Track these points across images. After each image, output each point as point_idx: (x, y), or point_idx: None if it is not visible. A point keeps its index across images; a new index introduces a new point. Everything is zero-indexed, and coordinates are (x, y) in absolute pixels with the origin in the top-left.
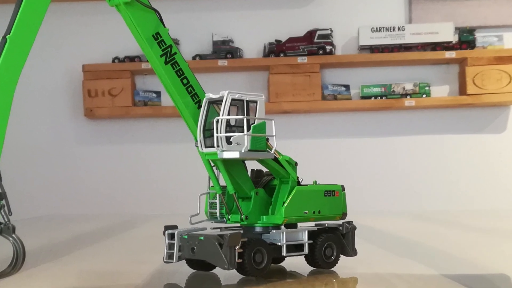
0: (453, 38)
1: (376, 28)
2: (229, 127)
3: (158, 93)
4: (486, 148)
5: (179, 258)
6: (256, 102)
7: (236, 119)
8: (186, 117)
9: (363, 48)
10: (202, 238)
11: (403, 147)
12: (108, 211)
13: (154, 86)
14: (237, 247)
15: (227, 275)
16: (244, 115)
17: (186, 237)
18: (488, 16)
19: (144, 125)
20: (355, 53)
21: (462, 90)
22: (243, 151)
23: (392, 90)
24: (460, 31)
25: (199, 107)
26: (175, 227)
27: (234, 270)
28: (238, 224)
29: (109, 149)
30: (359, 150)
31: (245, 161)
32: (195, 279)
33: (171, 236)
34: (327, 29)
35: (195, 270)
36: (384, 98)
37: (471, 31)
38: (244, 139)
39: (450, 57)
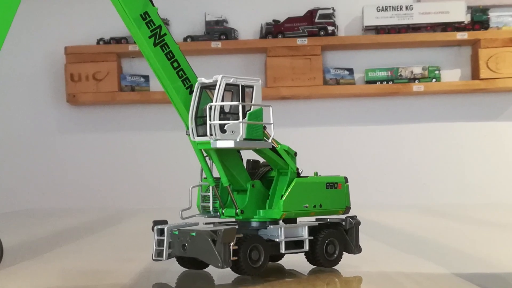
0: (465, 18)
1: (382, 7)
2: (223, 114)
3: (146, 78)
4: (501, 137)
5: (169, 256)
6: (252, 87)
7: (230, 106)
8: (176, 103)
9: (368, 29)
10: (194, 234)
11: (411, 136)
12: (92, 205)
13: (142, 69)
14: (231, 244)
15: (221, 274)
16: (239, 101)
17: (176, 233)
18: None
19: (132, 112)
20: (359, 34)
21: (475, 74)
22: (238, 140)
23: (399, 74)
24: (473, 10)
25: (191, 92)
26: (165, 222)
27: (229, 269)
28: (233, 219)
29: (94, 138)
30: (363, 139)
31: (241, 151)
32: (187, 278)
33: (161, 232)
34: (329, 8)
35: (186, 269)
36: (390, 82)
37: (484, 10)
38: (239, 127)
39: (461, 38)
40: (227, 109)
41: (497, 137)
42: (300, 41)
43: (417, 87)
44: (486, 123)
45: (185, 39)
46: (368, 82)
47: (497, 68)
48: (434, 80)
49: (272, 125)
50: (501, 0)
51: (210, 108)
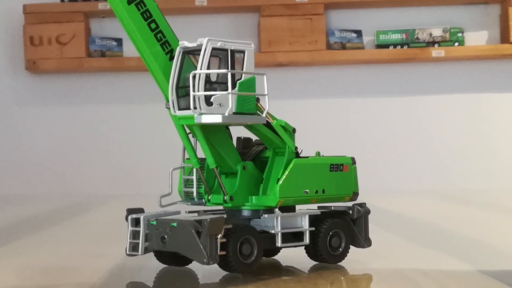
0: None
1: None
2: (209, 84)
3: (119, 41)
4: None
5: (146, 250)
6: (243, 52)
7: (218, 74)
8: (154, 71)
9: None
10: (174, 224)
11: (429, 110)
12: (55, 191)
13: (114, 31)
14: (219, 236)
15: (207, 271)
16: (228, 69)
17: (154, 223)
18: None
19: (102, 81)
20: None
21: (504, 37)
22: (226, 114)
23: (415, 37)
24: None
25: (171, 58)
26: (141, 210)
27: (216, 265)
28: (221, 207)
29: (57, 111)
30: (374, 113)
31: (230, 127)
32: (166, 277)
33: (136, 222)
34: None
35: (166, 265)
36: (405, 47)
37: None
38: (228, 99)
39: None
40: (213, 78)
41: None
42: None
43: (436, 52)
44: None
45: None
46: (379, 46)
47: None
48: (456, 44)
49: (266, 96)
50: None
51: (194, 77)
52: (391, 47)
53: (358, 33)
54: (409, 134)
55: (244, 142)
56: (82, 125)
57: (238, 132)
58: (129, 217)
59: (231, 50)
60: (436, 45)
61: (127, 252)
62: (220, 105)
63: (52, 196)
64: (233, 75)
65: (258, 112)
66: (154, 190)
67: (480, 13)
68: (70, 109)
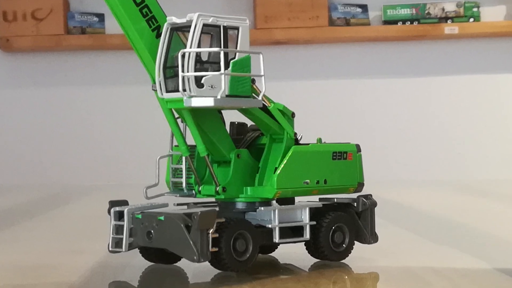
0: None
1: None
2: (200, 64)
3: (100, 16)
4: None
5: (130, 246)
6: (237, 29)
7: (209, 53)
8: (140, 49)
9: None
10: (162, 218)
11: (442, 92)
12: (31, 181)
13: (95, 6)
14: (210, 231)
15: (197, 269)
16: (220, 47)
17: (139, 216)
18: None
19: (82, 60)
20: None
21: None
22: (219, 97)
23: (426, 12)
24: None
25: (158, 35)
26: (125, 203)
27: (207, 263)
28: (213, 199)
29: (34, 94)
30: (380, 95)
31: (222, 112)
32: (152, 275)
33: (119, 216)
34: None
35: (152, 263)
36: (415, 23)
37: None
38: (220, 80)
39: None
40: (204, 57)
41: None
42: None
43: (449, 28)
44: None
45: None
46: (387, 22)
47: None
48: (471, 19)
49: (263, 77)
50: None
51: (183, 56)
52: (399, 23)
53: (364, 7)
54: (419, 119)
55: (238, 128)
56: (61, 109)
57: (232, 116)
58: (112, 210)
59: (223, 26)
60: (449, 21)
61: (110, 249)
62: (211, 87)
63: (28, 187)
64: (226, 54)
65: (253, 94)
66: (139, 180)
67: None
68: (48, 92)
